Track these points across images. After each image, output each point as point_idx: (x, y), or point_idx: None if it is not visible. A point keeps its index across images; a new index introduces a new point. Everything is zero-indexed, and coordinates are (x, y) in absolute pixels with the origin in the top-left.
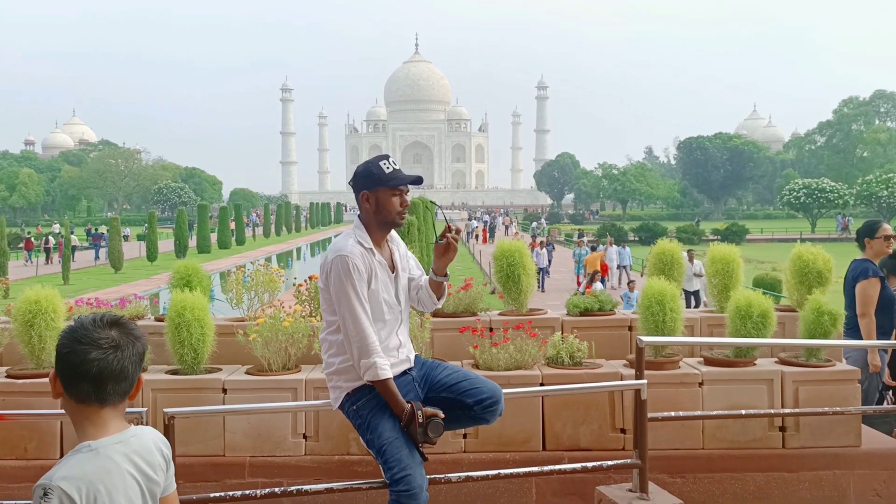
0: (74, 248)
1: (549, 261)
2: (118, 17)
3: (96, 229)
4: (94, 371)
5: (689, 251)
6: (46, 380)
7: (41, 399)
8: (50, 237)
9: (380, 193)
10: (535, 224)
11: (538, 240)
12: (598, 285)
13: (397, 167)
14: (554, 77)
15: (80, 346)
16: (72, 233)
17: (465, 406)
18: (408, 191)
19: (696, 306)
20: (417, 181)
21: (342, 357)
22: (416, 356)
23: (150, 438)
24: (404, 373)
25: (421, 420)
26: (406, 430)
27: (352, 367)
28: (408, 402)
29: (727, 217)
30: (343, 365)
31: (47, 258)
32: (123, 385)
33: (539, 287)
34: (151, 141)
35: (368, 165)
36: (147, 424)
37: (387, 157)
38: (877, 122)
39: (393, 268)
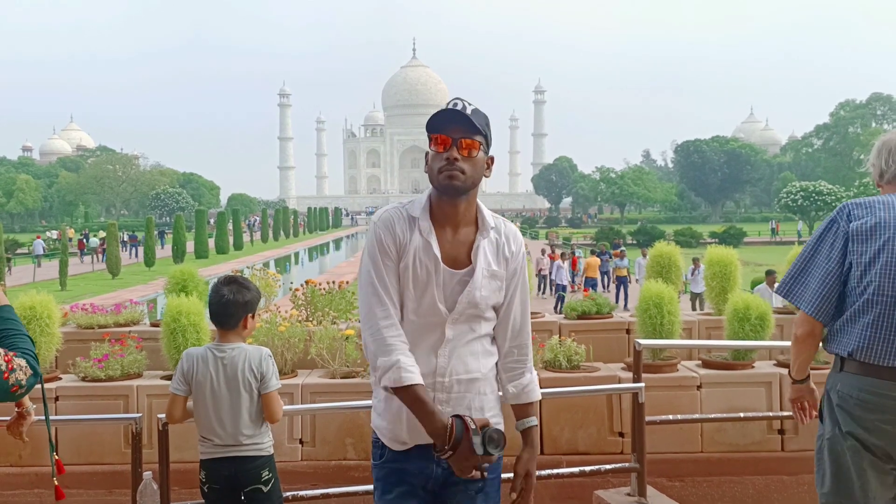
0: None
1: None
2: (114, 24)
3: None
4: (215, 308)
5: (694, 259)
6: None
7: (35, 406)
8: (94, 238)
9: (431, 148)
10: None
11: (559, 251)
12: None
13: (456, 106)
14: (551, 81)
15: (212, 294)
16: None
17: None
18: (464, 140)
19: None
20: (454, 119)
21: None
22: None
23: (245, 357)
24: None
25: (473, 427)
26: (449, 459)
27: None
28: (454, 416)
29: (725, 220)
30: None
31: (93, 258)
32: (233, 319)
33: (555, 308)
34: (149, 146)
35: None
36: (141, 431)
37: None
38: (873, 124)
39: (462, 261)
